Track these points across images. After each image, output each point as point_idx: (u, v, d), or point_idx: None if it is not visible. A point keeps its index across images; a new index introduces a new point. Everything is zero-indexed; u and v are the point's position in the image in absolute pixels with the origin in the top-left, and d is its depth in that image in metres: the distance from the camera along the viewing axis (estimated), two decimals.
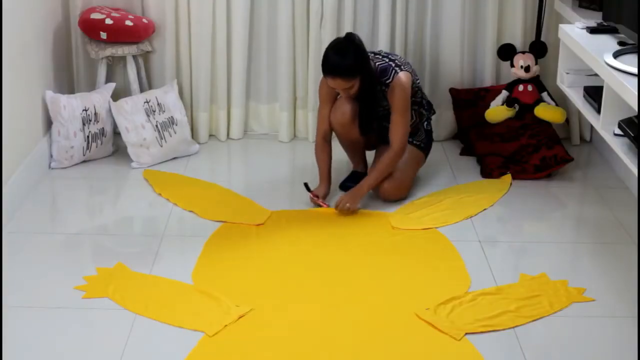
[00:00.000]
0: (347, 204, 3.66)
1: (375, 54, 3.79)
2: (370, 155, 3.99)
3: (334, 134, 3.90)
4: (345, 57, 3.58)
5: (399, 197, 3.81)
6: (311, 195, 3.77)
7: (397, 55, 3.82)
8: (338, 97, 3.82)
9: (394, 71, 3.68)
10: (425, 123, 3.91)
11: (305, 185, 3.81)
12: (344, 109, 3.78)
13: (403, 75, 3.68)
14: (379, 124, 3.83)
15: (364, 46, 3.67)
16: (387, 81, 3.68)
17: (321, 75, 3.73)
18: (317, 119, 3.89)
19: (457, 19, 4.35)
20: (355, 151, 3.96)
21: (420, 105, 3.87)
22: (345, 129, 3.82)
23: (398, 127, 3.69)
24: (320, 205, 3.75)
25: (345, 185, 3.91)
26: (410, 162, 3.84)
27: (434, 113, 4.03)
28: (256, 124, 4.58)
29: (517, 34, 4.36)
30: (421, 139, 3.88)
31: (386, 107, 3.75)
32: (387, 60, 3.73)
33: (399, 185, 3.79)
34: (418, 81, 3.84)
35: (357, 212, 3.69)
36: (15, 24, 3.63)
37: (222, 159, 4.40)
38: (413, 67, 3.87)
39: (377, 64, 3.71)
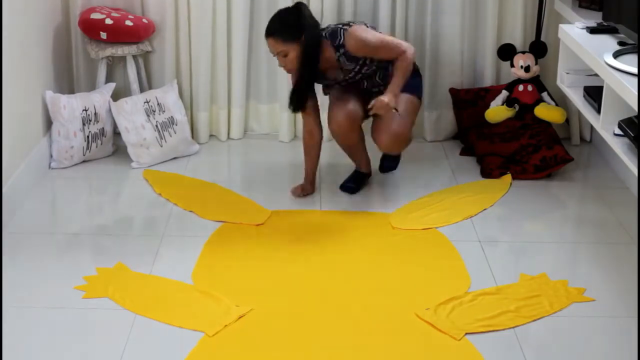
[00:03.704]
0: (386, 99, 3.56)
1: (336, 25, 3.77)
2: (368, 133, 3.94)
3: (329, 135, 3.89)
4: (284, 21, 3.62)
5: (400, 148, 3.77)
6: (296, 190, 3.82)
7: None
8: (332, 103, 3.78)
9: (342, 30, 3.66)
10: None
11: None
12: (339, 119, 3.72)
13: (355, 27, 3.65)
14: (368, 90, 3.78)
15: (312, 20, 3.65)
16: (340, 41, 3.64)
17: None
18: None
19: (457, 19, 4.35)
20: (355, 153, 3.93)
21: None
22: (342, 137, 3.79)
23: (389, 51, 3.63)
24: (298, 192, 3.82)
25: (346, 186, 3.90)
26: (408, 110, 3.75)
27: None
28: (256, 124, 4.58)
29: (517, 34, 4.36)
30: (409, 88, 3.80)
31: (357, 70, 3.72)
32: (337, 24, 3.73)
33: (399, 136, 3.70)
34: None
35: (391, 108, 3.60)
36: (15, 24, 3.63)
37: (222, 159, 4.40)
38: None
39: (325, 32, 3.67)
